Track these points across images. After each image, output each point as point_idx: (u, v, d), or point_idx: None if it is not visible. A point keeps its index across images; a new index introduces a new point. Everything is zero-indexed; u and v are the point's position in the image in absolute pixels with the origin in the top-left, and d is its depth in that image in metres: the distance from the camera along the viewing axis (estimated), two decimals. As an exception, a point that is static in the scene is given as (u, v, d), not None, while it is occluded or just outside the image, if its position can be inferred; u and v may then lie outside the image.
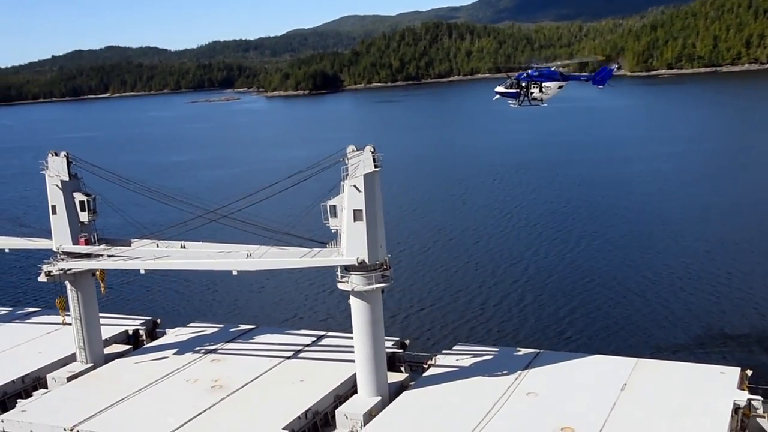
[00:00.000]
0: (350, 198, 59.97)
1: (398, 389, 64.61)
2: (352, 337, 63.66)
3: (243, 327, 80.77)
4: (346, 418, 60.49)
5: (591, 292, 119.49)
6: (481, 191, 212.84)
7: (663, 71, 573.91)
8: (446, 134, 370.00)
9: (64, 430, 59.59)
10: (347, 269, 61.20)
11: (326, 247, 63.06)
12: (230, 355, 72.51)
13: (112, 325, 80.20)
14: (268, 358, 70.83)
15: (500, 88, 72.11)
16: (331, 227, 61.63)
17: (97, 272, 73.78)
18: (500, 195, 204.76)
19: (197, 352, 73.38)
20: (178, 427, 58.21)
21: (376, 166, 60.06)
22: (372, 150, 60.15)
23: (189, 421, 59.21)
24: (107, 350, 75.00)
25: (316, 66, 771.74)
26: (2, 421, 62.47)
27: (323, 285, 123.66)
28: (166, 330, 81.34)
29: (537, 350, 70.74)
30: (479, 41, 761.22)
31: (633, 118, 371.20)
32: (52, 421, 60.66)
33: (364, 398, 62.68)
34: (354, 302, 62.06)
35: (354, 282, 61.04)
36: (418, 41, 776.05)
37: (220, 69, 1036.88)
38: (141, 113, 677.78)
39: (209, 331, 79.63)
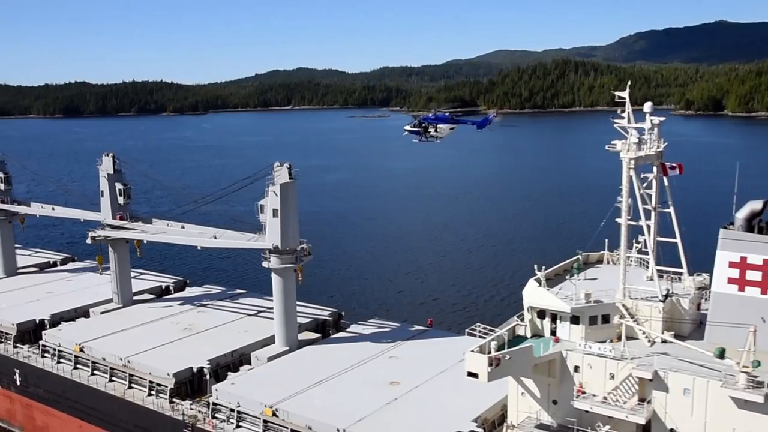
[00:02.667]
0: (271, 200, 71.03)
1: (307, 344, 74.95)
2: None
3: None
4: (257, 359, 71.83)
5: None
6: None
7: (762, 113, 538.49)
8: (539, 156, 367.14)
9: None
10: (269, 252, 72.38)
11: (257, 235, 74.36)
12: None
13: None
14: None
15: (407, 127, 79.99)
16: (260, 221, 72.91)
17: (135, 241, 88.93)
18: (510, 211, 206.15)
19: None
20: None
21: (291, 178, 70.99)
22: (288, 166, 71.16)
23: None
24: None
25: (457, 92, 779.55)
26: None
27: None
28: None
29: (425, 328, 78.71)
30: (601, 78, 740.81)
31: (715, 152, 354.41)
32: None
33: (276, 347, 73.58)
34: (274, 277, 73.02)
35: (272, 262, 72.17)
36: (547, 75, 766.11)
37: (381, 90, 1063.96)
38: (309, 123, 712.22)
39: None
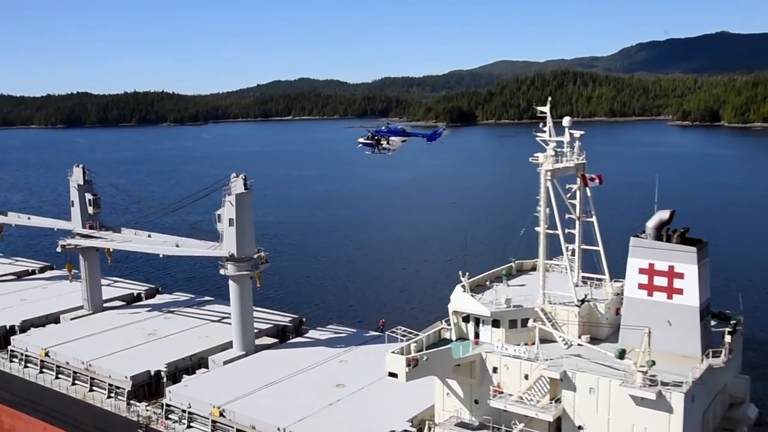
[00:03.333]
0: (227, 210, 74.12)
1: (264, 349, 77.82)
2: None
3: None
4: (214, 362, 74.70)
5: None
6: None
7: (758, 124, 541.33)
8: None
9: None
10: (226, 260, 75.38)
11: (216, 243, 77.39)
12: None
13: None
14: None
15: (361, 140, 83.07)
16: (218, 230, 75.97)
17: (105, 249, 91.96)
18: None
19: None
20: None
21: (246, 188, 74.14)
22: (244, 177, 74.35)
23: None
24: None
25: (455, 102, 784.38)
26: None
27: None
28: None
29: (378, 333, 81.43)
30: (600, 89, 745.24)
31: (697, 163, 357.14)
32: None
33: (234, 352, 76.44)
34: (231, 284, 76.00)
35: (228, 269, 75.17)
36: (546, 86, 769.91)
37: (381, 101, 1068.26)
38: (307, 133, 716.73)
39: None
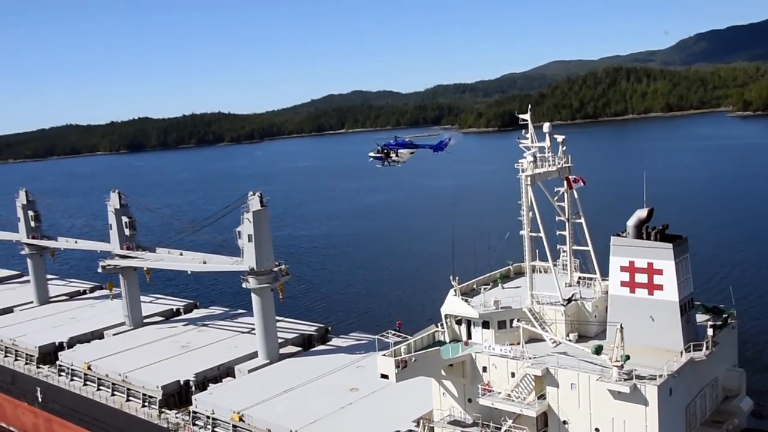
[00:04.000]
0: (245, 226, 78.49)
1: (288, 357, 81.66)
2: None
3: None
4: (240, 371, 78.95)
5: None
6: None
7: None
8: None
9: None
10: (247, 274, 79.65)
11: (238, 258, 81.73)
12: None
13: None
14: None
15: (371, 153, 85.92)
16: (239, 246, 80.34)
17: (144, 268, 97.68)
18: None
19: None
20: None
21: (262, 205, 78.37)
22: (260, 195, 78.62)
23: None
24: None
25: (506, 107, 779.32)
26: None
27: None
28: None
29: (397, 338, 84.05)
30: (654, 83, 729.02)
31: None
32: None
33: (258, 360, 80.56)
34: (253, 296, 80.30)
35: (250, 283, 79.45)
36: (598, 84, 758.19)
37: (432, 109, 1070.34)
38: (354, 146, 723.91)
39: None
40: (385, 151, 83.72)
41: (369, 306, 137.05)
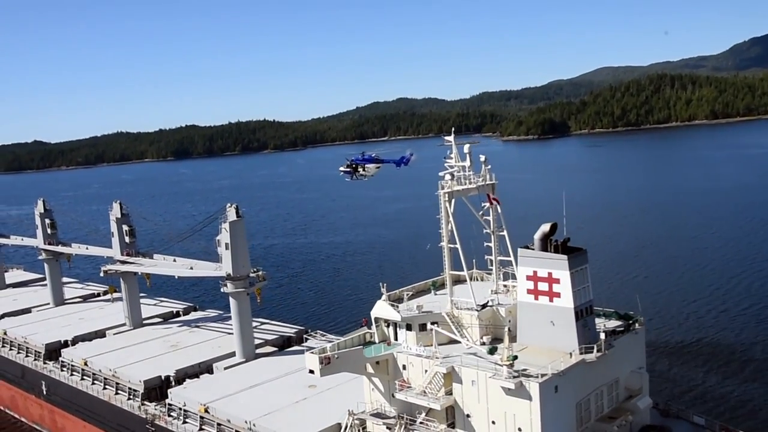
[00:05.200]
0: (223, 235, 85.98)
1: (263, 356, 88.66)
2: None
3: None
4: (217, 368, 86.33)
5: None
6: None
7: None
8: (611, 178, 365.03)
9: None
10: (225, 279, 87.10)
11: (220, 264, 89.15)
12: None
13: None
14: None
15: (342, 168, 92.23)
16: (218, 253, 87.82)
17: (144, 274, 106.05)
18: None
19: None
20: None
21: (238, 216, 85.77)
22: (236, 207, 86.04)
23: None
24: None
25: (547, 114, 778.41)
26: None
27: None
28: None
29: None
30: (699, 90, 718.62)
31: None
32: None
33: (235, 359, 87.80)
34: (231, 299, 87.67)
35: (227, 287, 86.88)
36: (641, 91, 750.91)
37: (475, 116, 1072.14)
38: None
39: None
40: (354, 165, 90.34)
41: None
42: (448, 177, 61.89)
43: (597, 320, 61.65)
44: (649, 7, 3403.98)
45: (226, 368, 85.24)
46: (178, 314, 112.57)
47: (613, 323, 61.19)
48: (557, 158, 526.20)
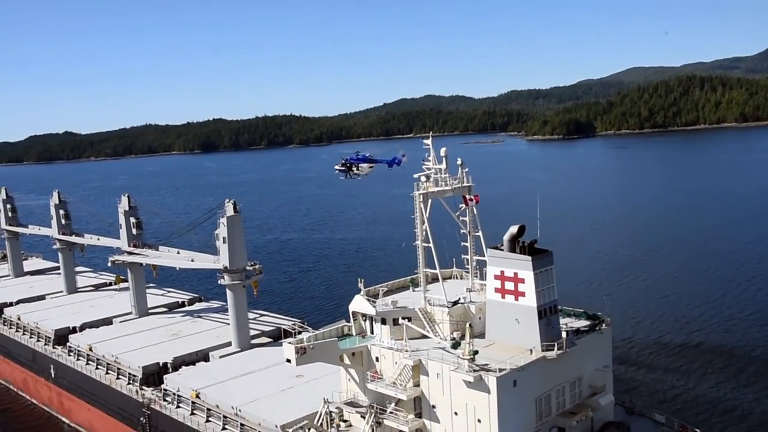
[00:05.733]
0: (221, 230, 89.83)
1: (258, 346, 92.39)
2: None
3: None
4: (213, 357, 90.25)
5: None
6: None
7: None
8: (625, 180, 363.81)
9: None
10: (222, 271, 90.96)
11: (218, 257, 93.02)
12: None
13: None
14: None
15: (337, 166, 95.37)
16: (217, 246, 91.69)
17: (150, 265, 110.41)
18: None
19: None
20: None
21: (235, 211, 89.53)
22: (234, 202, 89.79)
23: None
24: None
25: (573, 114, 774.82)
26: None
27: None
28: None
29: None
30: (729, 93, 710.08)
31: None
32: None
33: (231, 348, 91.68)
34: (227, 291, 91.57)
35: (225, 278, 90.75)
36: (670, 93, 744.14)
37: (501, 115, 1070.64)
38: (419, 152, 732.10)
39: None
40: (348, 164, 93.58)
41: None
42: (423, 178, 64.70)
43: (566, 320, 64.64)
44: (681, 8, 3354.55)
45: (221, 357, 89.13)
46: (183, 304, 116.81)
47: (581, 323, 63.83)
48: (578, 159, 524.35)
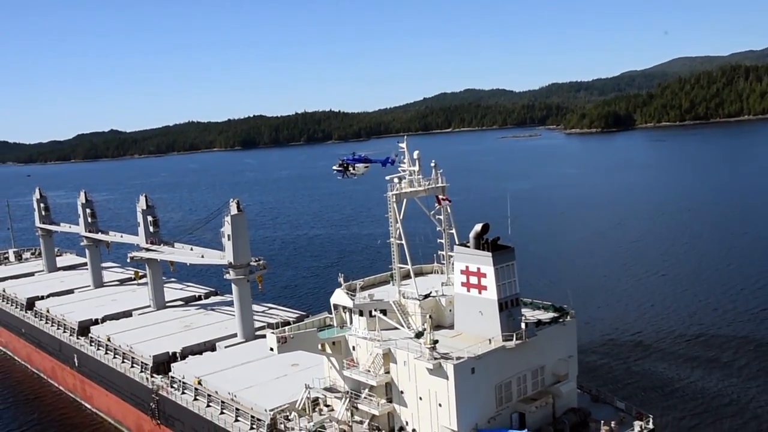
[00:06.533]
0: (226, 227, 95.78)
1: (262, 337, 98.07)
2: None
3: None
4: (219, 347, 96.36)
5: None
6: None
7: None
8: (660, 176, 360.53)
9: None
10: (228, 266, 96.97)
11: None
12: None
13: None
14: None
15: (335, 167, 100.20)
16: (222, 243, 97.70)
17: (168, 261, 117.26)
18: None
19: None
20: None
21: (239, 210, 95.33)
22: (237, 202, 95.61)
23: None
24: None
25: (611, 107, 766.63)
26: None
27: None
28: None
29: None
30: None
31: None
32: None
33: (237, 339, 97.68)
34: (232, 285, 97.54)
35: (230, 273, 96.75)
36: (713, 83, 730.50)
37: (540, 108, 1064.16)
38: (457, 146, 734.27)
39: None
40: (345, 165, 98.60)
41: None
42: (396, 180, 69.33)
43: (535, 312, 68.70)
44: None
45: (226, 347, 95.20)
46: (199, 298, 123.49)
47: (549, 315, 67.76)
48: (612, 153, 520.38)
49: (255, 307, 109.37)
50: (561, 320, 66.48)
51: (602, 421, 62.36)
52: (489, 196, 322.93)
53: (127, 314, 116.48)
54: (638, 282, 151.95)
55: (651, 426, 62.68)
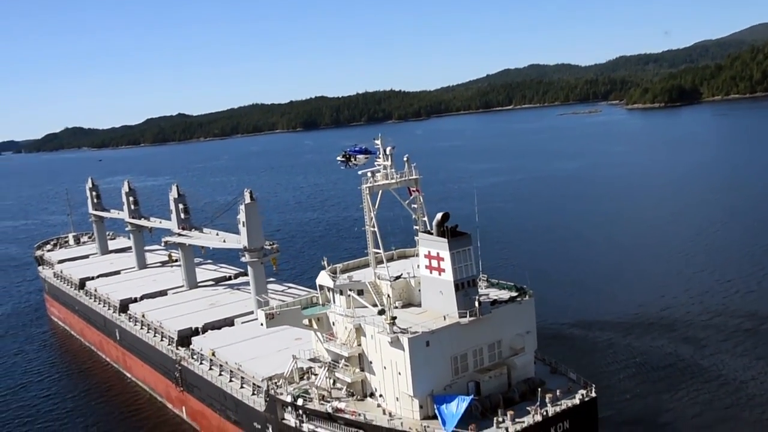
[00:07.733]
0: (240, 215, 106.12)
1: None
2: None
3: None
4: (237, 323, 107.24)
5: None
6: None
7: None
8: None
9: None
10: (243, 250, 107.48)
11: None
12: None
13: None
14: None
15: (339, 157, 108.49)
16: (239, 229, 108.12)
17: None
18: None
19: None
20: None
21: (252, 199, 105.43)
22: (250, 192, 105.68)
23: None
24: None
25: (675, 80, 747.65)
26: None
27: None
28: None
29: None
30: None
31: None
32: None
33: (252, 315, 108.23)
34: (248, 267, 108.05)
35: (246, 257, 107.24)
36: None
37: (604, 83, 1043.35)
38: (515, 124, 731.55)
39: None
40: (347, 155, 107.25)
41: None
42: (369, 174, 77.74)
43: (499, 291, 76.18)
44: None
45: (243, 323, 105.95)
46: (229, 278, 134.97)
47: (511, 294, 75.20)
48: (668, 129, 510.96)
49: (275, 287, 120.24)
50: (518, 299, 73.84)
51: (547, 390, 69.77)
52: (533, 176, 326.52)
53: (163, 293, 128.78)
54: (655, 262, 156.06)
55: (593, 394, 69.70)
